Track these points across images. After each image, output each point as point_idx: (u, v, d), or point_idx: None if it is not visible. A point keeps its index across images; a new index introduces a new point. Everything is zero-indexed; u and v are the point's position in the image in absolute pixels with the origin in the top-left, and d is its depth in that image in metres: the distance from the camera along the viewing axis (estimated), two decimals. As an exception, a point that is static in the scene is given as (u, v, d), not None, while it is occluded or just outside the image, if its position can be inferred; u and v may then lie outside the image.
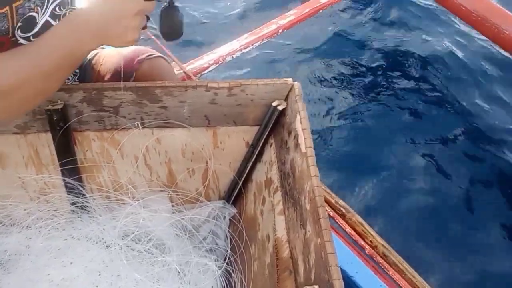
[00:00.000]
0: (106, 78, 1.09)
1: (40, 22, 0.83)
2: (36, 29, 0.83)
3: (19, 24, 0.78)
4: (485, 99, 2.45)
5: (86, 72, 1.15)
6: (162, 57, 1.12)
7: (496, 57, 2.67)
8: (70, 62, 0.77)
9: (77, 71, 1.05)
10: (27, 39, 0.83)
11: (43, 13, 0.83)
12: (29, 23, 0.81)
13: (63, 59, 0.75)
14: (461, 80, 2.55)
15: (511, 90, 2.52)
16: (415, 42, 2.80)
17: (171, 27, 0.88)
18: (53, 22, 0.85)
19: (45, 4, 0.83)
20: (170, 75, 1.13)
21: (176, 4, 0.84)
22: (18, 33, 0.80)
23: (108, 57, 1.12)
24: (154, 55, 1.10)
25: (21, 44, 0.82)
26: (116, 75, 1.07)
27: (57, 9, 0.86)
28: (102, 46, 1.21)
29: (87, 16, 0.75)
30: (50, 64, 0.74)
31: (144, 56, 1.08)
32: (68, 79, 1.02)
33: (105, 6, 0.75)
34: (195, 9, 3.05)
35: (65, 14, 0.89)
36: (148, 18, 0.80)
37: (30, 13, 0.80)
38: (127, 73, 1.06)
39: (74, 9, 0.91)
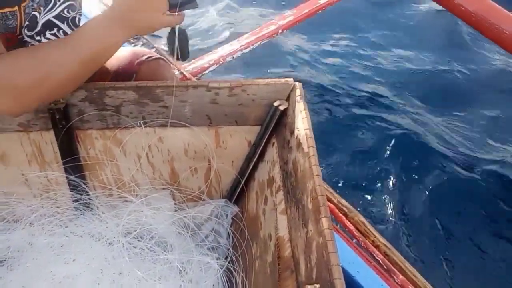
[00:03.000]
0: (106, 80, 1.09)
1: (41, 21, 0.84)
2: (38, 28, 0.84)
3: (26, 23, 0.80)
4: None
5: None
6: (162, 59, 1.12)
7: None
8: (100, 55, 0.80)
9: None
10: (32, 37, 0.84)
11: (46, 12, 0.84)
12: (33, 22, 0.82)
13: (91, 53, 0.77)
14: (469, 83, 2.55)
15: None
16: (416, 41, 2.80)
17: (179, 49, 0.90)
18: (59, 23, 0.86)
19: (50, 4, 0.84)
20: (170, 77, 1.13)
21: (178, 27, 0.86)
22: (25, 31, 0.81)
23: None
24: (154, 57, 1.10)
25: (26, 42, 0.83)
26: (117, 77, 1.08)
27: (65, 11, 0.87)
28: None
29: (112, 10, 0.78)
30: (79, 59, 0.76)
31: (143, 58, 1.09)
32: None
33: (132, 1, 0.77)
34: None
35: (74, 17, 0.90)
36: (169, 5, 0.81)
37: (33, 12, 0.82)
38: (127, 75, 1.07)
39: (80, 12, 0.93)
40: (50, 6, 0.84)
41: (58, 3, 0.85)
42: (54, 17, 0.85)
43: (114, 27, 0.77)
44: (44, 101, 0.87)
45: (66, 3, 0.87)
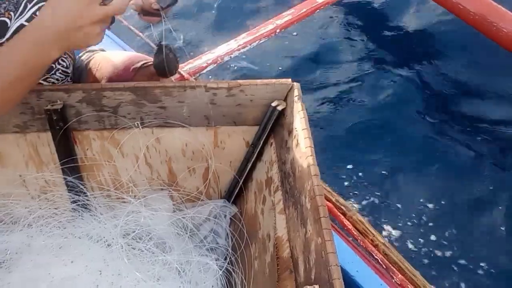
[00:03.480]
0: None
1: (13, 27, 0.81)
2: (8, 34, 0.81)
3: None
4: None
5: (81, 75, 1.14)
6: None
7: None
8: (33, 72, 0.75)
9: (69, 71, 1.04)
10: (0, 45, 0.81)
11: (17, 17, 0.82)
12: (2, 28, 0.80)
13: (25, 69, 0.73)
14: (472, 73, 2.53)
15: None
16: (416, 40, 2.80)
17: (161, 66, 0.92)
18: None
19: (20, 8, 0.82)
20: (167, 82, 1.11)
21: (164, 44, 0.85)
22: None
23: (104, 62, 1.11)
24: (149, 63, 1.09)
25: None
26: (115, 78, 1.07)
27: (37, 13, 0.85)
28: (101, 49, 1.22)
29: (46, 27, 0.72)
30: (12, 75, 0.72)
31: (139, 64, 1.08)
32: (60, 79, 1.02)
33: (62, 15, 0.71)
34: (195, 9, 3.06)
35: None
36: (113, 20, 0.78)
37: (1, 18, 0.79)
38: (122, 81, 1.04)
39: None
40: (20, 10, 0.81)
41: (29, 6, 0.83)
42: (26, 20, 0.83)
43: (46, 49, 0.72)
44: None
45: (38, 5, 0.84)
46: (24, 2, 0.83)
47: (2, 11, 0.79)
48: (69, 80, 1.10)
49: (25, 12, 0.84)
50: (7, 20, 0.80)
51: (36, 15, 0.85)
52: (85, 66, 1.15)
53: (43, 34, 0.71)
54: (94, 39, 0.73)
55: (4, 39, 0.82)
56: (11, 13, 0.81)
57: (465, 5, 2.12)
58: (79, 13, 0.70)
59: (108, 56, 1.13)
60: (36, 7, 0.85)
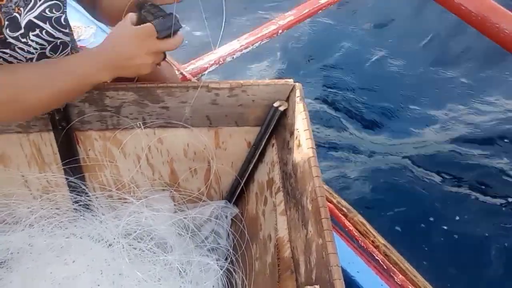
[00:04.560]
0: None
1: (23, 22, 0.83)
2: (22, 30, 0.83)
3: (6, 22, 0.80)
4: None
5: None
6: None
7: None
8: (81, 88, 0.82)
9: None
10: (16, 38, 0.83)
11: (26, 13, 0.83)
12: (14, 23, 0.81)
13: (74, 85, 0.80)
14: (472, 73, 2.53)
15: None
16: (416, 39, 2.80)
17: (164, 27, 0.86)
18: (40, 24, 0.85)
19: (30, 4, 0.83)
20: (172, 78, 1.14)
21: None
22: (7, 32, 0.81)
23: None
24: None
25: (10, 43, 0.82)
26: (117, 79, 1.07)
27: (47, 11, 0.86)
28: None
29: (102, 50, 0.80)
30: (62, 87, 0.79)
31: None
32: None
33: (121, 43, 0.79)
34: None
35: (59, 17, 0.88)
36: (164, 55, 0.83)
37: (14, 13, 0.81)
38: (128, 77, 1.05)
39: (65, 11, 0.92)
40: (30, 6, 0.83)
41: (39, 3, 0.84)
42: (35, 17, 0.84)
43: (101, 69, 0.79)
44: (11, 120, 0.91)
45: (48, 3, 0.85)
46: None
47: (13, 6, 0.81)
48: (68, 51, 1.10)
49: (34, 9, 0.84)
50: (18, 16, 0.82)
51: (45, 13, 0.86)
52: None
53: (100, 60, 0.79)
54: (145, 70, 0.80)
55: (18, 33, 0.83)
56: (21, 8, 0.82)
57: (466, 5, 2.11)
58: (137, 47, 0.78)
59: None
60: (46, 4, 0.85)
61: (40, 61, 0.85)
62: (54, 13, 0.87)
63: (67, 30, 0.91)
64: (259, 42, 1.83)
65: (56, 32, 0.88)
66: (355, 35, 2.82)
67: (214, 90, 0.91)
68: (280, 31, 1.88)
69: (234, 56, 1.78)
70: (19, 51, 0.84)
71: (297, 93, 0.89)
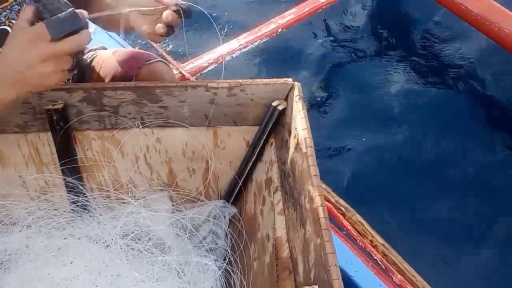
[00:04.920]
0: (106, 80, 1.08)
1: None
2: None
3: None
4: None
5: (85, 73, 1.14)
6: (162, 61, 1.10)
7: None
8: None
9: (75, 71, 1.04)
10: None
11: None
12: (1, 36, 0.77)
13: None
14: (471, 75, 2.53)
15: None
16: (417, 40, 2.80)
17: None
18: None
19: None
20: (170, 79, 1.10)
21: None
22: None
23: (108, 60, 1.10)
24: (153, 60, 1.08)
25: None
26: (115, 80, 1.06)
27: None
28: (102, 47, 1.21)
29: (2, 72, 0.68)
30: None
31: (144, 62, 1.06)
32: (67, 80, 1.02)
33: (11, 52, 0.68)
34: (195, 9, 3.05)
35: None
36: (73, 61, 0.70)
37: (2, 27, 0.79)
38: (126, 78, 1.05)
39: None
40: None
41: None
42: None
43: (3, 91, 0.68)
44: None
45: None
46: None
47: (3, 19, 0.78)
48: (73, 81, 1.10)
49: None
50: (8, 28, 0.79)
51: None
52: (88, 64, 1.15)
53: (7, 73, 0.68)
54: (48, 79, 0.68)
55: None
56: (13, 21, 0.79)
57: (466, 5, 2.11)
58: (28, 54, 0.66)
59: (112, 53, 1.12)
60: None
61: None
62: None
63: None
64: (258, 41, 1.83)
65: None
66: (358, 35, 2.81)
67: (213, 89, 0.91)
68: (279, 30, 1.88)
69: (234, 55, 1.78)
70: None
71: (296, 92, 0.89)
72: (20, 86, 0.69)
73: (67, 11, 0.66)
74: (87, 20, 0.70)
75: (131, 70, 1.05)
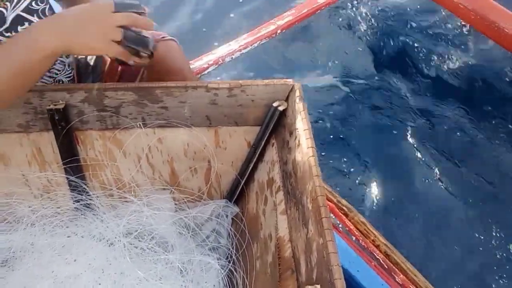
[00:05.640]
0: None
1: (10, 17, 0.82)
2: (6, 25, 0.82)
3: None
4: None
5: (98, 62, 1.17)
6: (174, 40, 1.14)
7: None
8: (31, 64, 0.76)
9: (65, 61, 1.06)
10: (1, 34, 0.82)
11: (14, 7, 0.82)
12: (2, 19, 0.80)
13: (24, 61, 0.74)
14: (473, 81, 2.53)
15: None
16: (418, 42, 2.80)
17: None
18: (28, 17, 0.85)
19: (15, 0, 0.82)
20: (182, 58, 1.13)
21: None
22: None
23: None
24: (167, 38, 1.12)
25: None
26: (124, 76, 1.11)
27: (33, 3, 0.86)
28: None
29: (58, 17, 0.77)
30: (15, 65, 0.74)
31: (159, 37, 1.10)
32: (60, 69, 1.04)
33: (77, 9, 0.77)
34: (196, 9, 3.06)
35: (44, 9, 0.88)
36: (127, 31, 0.79)
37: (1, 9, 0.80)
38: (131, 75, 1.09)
39: (49, 2, 0.91)
40: (16, 0, 0.82)
41: None
42: (22, 11, 0.84)
43: (46, 32, 0.74)
44: None
45: None
46: None
47: None
48: (69, 71, 1.10)
49: (21, 2, 0.84)
50: (3, 10, 0.81)
51: (32, 6, 0.86)
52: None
53: (53, 25, 0.75)
54: (98, 41, 0.76)
55: (2, 28, 0.82)
56: (7, 3, 0.81)
57: (466, 5, 2.11)
58: (91, 12, 0.76)
59: None
60: None
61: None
62: (40, 5, 0.87)
63: None
64: (258, 42, 1.83)
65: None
66: (357, 36, 2.81)
67: (213, 90, 0.91)
68: (278, 31, 1.89)
69: (233, 56, 1.78)
70: None
71: (297, 93, 0.89)
72: (70, 39, 0.75)
73: (132, 1, 0.80)
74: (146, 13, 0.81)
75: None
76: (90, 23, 0.75)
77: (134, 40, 0.79)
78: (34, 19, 0.87)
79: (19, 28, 0.85)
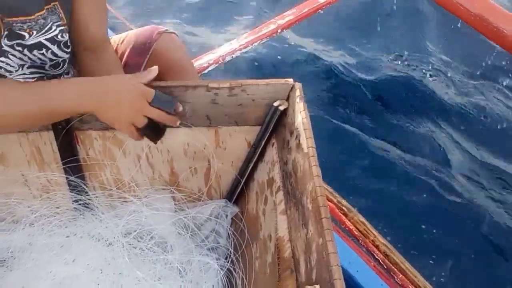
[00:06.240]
0: (126, 52, 1.15)
1: (31, 41, 0.84)
2: (23, 42, 0.84)
3: (5, 32, 0.80)
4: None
5: None
6: (175, 34, 1.18)
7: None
8: (62, 113, 0.83)
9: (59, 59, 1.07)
10: (11, 46, 0.84)
11: (38, 35, 0.85)
12: (16, 35, 0.82)
13: (56, 109, 0.80)
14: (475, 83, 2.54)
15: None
16: (418, 42, 2.80)
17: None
18: (48, 45, 0.87)
19: (45, 28, 0.85)
20: (183, 51, 1.18)
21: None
22: (4, 41, 0.81)
23: (126, 36, 1.18)
24: (169, 31, 1.16)
25: (5, 50, 0.83)
26: (136, 47, 1.14)
27: (59, 36, 0.88)
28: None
29: (100, 92, 0.81)
30: (45, 108, 0.79)
31: (162, 30, 1.15)
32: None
33: (113, 80, 0.83)
34: (196, 9, 3.06)
35: (66, 41, 0.90)
36: (151, 129, 0.87)
37: (20, 32, 0.82)
38: (146, 43, 1.12)
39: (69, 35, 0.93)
40: (44, 30, 0.85)
41: (54, 28, 0.86)
42: (46, 39, 0.86)
43: (86, 101, 0.80)
44: None
45: (61, 27, 0.87)
46: (50, 23, 0.85)
47: (25, 27, 0.82)
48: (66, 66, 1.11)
49: (48, 32, 0.86)
50: (26, 35, 0.83)
51: (57, 38, 0.87)
52: None
53: (79, 89, 0.80)
54: (120, 122, 0.83)
55: (14, 42, 0.83)
56: (34, 31, 0.83)
57: (466, 5, 2.11)
58: (127, 91, 0.81)
59: (127, 32, 1.21)
60: (59, 29, 0.87)
61: (24, 83, 0.85)
62: (64, 38, 0.89)
63: (69, 50, 0.93)
64: (258, 42, 1.83)
65: (61, 52, 0.90)
66: (357, 35, 2.82)
67: (214, 89, 0.91)
68: (279, 30, 1.88)
69: (234, 56, 1.78)
70: (11, 57, 0.85)
71: (297, 92, 0.89)
72: (95, 103, 0.80)
73: (171, 97, 0.87)
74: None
75: (151, 36, 1.13)
76: (125, 104, 0.80)
77: (162, 101, 0.85)
78: (54, 48, 0.88)
79: (36, 51, 0.86)
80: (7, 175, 1.00)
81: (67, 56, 0.93)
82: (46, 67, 0.91)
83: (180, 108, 0.87)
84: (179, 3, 3.14)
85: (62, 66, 0.94)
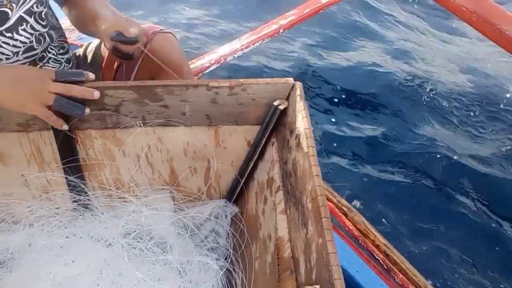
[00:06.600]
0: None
1: (14, 17, 0.86)
2: (8, 24, 0.86)
3: None
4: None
5: (95, 58, 1.20)
6: (172, 33, 1.17)
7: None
8: None
9: (62, 60, 1.10)
10: (0, 33, 0.86)
11: (18, 9, 0.86)
12: (3, 18, 0.84)
13: None
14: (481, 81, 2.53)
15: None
16: (419, 43, 2.80)
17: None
18: (28, 18, 0.89)
19: (21, 1, 0.86)
20: (179, 50, 1.17)
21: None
22: None
23: None
24: (165, 30, 1.16)
25: None
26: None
27: (34, 6, 0.90)
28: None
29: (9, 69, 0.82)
30: None
31: (158, 29, 1.14)
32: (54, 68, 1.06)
33: (20, 67, 0.84)
34: (196, 9, 3.06)
35: (41, 12, 0.92)
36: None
37: (2, 8, 0.84)
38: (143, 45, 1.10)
39: (48, 6, 0.96)
40: (21, 1, 0.86)
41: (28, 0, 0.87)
42: (24, 12, 0.88)
43: None
44: None
45: None
46: None
47: (5, 2, 0.83)
48: (68, 67, 1.12)
49: (25, 4, 0.88)
50: (8, 11, 0.84)
51: (33, 8, 0.89)
52: (97, 48, 1.20)
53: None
54: (38, 108, 0.81)
55: (2, 28, 0.85)
56: (13, 4, 0.84)
57: (467, 6, 2.11)
58: (31, 72, 0.82)
59: None
60: (34, 0, 0.89)
61: None
62: (39, 8, 0.91)
63: (45, 23, 0.95)
64: (260, 42, 1.83)
65: (37, 25, 0.92)
66: (359, 35, 2.82)
67: (214, 88, 0.91)
68: (281, 30, 1.88)
69: (235, 55, 1.78)
70: (4, 45, 0.88)
71: (297, 91, 0.89)
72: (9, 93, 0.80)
73: (80, 70, 0.85)
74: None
75: (147, 35, 1.11)
76: (25, 84, 0.80)
77: (64, 107, 0.84)
78: (31, 20, 0.90)
79: (19, 28, 0.87)
80: (7, 175, 1.00)
81: (44, 30, 0.95)
82: (34, 46, 0.93)
83: (91, 76, 0.86)
84: (179, 4, 3.15)
85: (44, 42, 0.96)
